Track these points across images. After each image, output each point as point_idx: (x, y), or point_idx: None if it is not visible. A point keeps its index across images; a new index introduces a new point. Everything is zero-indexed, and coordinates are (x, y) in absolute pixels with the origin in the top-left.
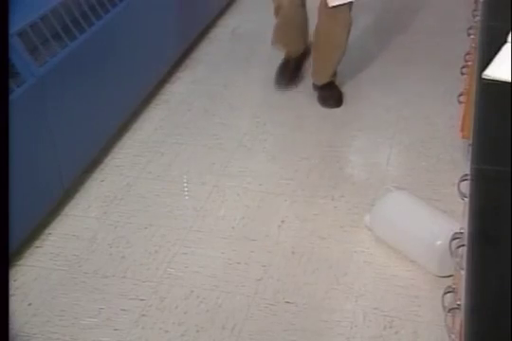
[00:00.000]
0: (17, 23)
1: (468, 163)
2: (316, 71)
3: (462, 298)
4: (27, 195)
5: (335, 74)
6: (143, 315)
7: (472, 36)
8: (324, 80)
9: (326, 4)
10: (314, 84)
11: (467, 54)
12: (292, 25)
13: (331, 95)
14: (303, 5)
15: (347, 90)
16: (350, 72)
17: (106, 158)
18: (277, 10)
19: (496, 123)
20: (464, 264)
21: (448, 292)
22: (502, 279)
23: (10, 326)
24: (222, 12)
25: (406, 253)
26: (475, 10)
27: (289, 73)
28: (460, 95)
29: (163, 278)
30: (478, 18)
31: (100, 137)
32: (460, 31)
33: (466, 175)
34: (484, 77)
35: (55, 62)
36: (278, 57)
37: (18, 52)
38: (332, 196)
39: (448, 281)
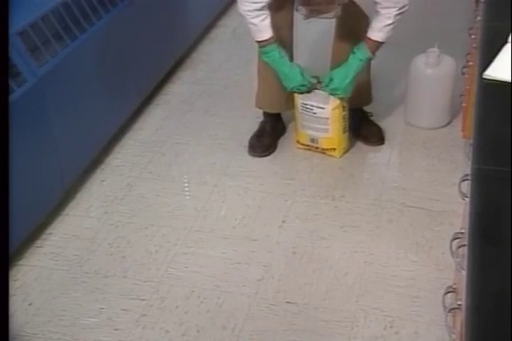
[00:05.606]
0: (18, 23)
1: (469, 163)
2: None
3: (462, 298)
4: (27, 195)
5: None
6: (144, 315)
7: (473, 36)
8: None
9: None
10: None
11: (468, 54)
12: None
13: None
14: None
15: None
16: None
17: (107, 158)
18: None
19: (496, 123)
20: (464, 264)
21: (449, 292)
22: (502, 279)
23: (11, 326)
24: (222, 12)
25: None
26: (476, 10)
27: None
28: (460, 95)
29: (164, 278)
30: (479, 18)
31: (100, 137)
32: (460, 31)
33: (467, 175)
34: (484, 77)
35: (55, 62)
36: None
37: (19, 52)
38: (332, 196)
39: (449, 281)
